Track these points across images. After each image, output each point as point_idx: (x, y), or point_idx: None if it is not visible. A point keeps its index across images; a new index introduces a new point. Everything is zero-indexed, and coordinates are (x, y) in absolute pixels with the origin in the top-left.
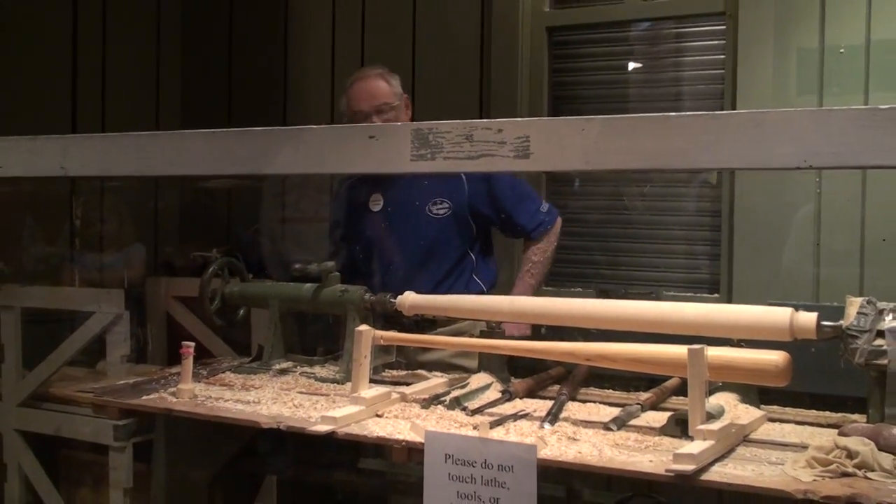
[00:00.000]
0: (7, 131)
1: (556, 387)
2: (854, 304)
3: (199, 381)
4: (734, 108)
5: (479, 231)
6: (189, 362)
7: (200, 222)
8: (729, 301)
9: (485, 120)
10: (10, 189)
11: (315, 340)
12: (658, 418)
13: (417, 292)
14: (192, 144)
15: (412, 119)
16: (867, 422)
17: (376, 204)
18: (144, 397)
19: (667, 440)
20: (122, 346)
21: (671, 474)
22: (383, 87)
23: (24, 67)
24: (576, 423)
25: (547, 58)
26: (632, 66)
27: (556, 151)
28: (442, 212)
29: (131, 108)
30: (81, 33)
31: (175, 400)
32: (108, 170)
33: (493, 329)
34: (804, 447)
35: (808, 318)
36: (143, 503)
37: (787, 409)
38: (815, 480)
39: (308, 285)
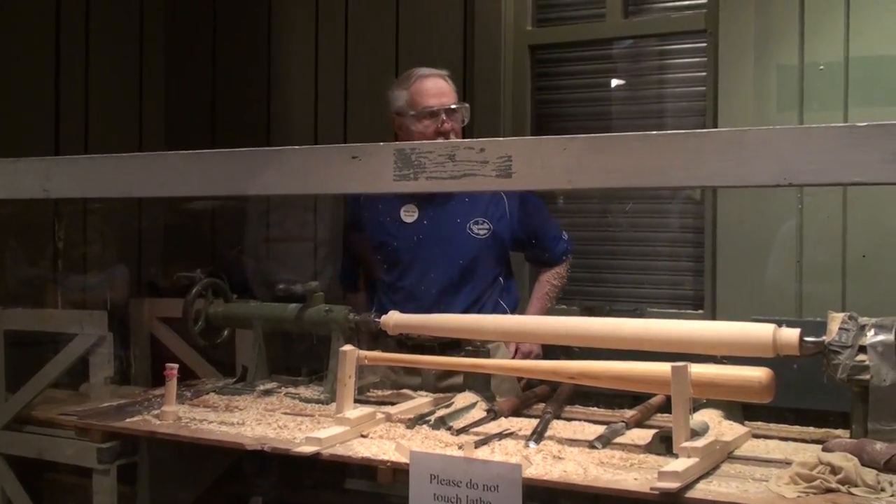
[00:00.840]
0: None
1: (541, 405)
2: (836, 320)
3: (183, 403)
4: (716, 125)
5: (507, 255)
6: (173, 384)
7: (184, 243)
8: (713, 317)
9: (467, 140)
10: None
11: (299, 361)
12: (643, 436)
13: (448, 312)
14: (176, 165)
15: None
16: (850, 437)
17: (409, 215)
18: (128, 420)
19: (651, 458)
20: (106, 367)
21: (656, 492)
22: (451, 88)
23: (6, 89)
24: (561, 441)
25: (530, 76)
26: (614, 83)
27: (538, 170)
28: (483, 232)
29: (114, 130)
30: (64, 56)
31: (159, 422)
32: (90, 191)
33: (478, 349)
34: (788, 463)
35: (791, 335)
36: None
37: (771, 426)
38: (799, 497)
39: (292, 305)
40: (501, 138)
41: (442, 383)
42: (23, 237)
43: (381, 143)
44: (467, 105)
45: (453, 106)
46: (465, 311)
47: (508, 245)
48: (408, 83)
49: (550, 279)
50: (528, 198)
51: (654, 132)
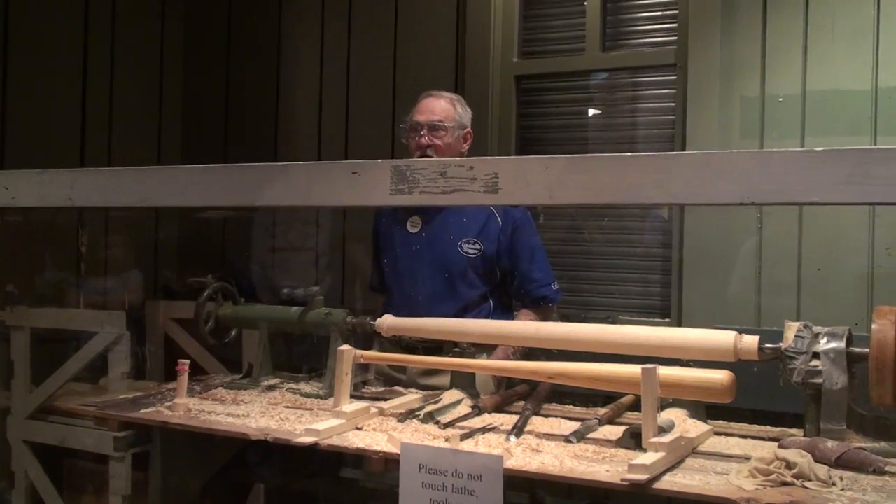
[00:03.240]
0: (19, 164)
1: (522, 403)
2: (792, 328)
3: (194, 396)
4: (684, 150)
5: (504, 281)
6: (184, 379)
7: (197, 250)
8: (679, 325)
9: (457, 158)
10: (21, 218)
11: (301, 359)
12: (614, 432)
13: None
14: (190, 178)
15: (466, 154)
16: (804, 435)
17: (414, 226)
18: (142, 411)
19: (622, 452)
20: (123, 363)
21: (626, 483)
22: (447, 108)
23: (36, 107)
24: (539, 436)
25: (515, 103)
26: (591, 111)
27: (523, 187)
28: (472, 252)
29: (135, 144)
30: (90, 77)
31: (171, 413)
32: (112, 201)
33: (464, 350)
34: (747, 459)
35: (751, 341)
36: None
37: (732, 424)
38: (757, 489)
39: (295, 308)
40: (489, 157)
41: (424, 381)
42: (49, 243)
43: (379, 160)
44: (470, 131)
45: (436, 122)
46: None
47: (498, 268)
48: (418, 100)
49: (524, 320)
50: (524, 230)
51: (629, 153)
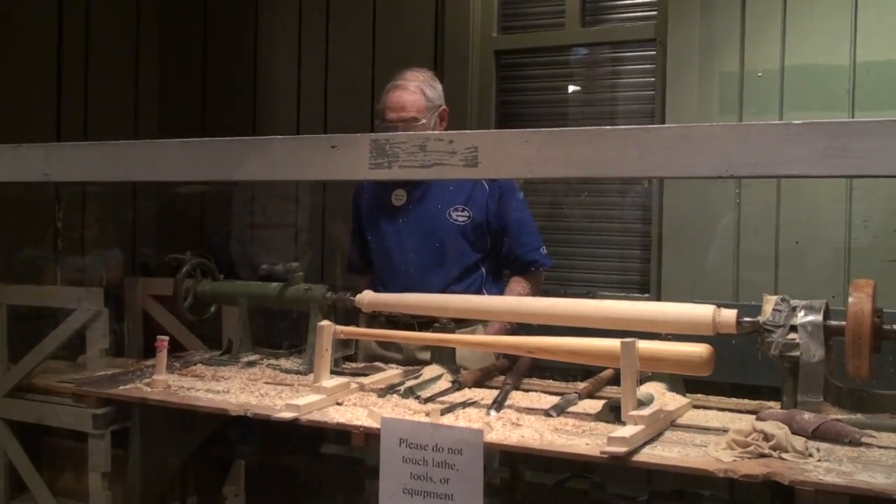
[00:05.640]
0: None
1: (502, 377)
2: (770, 302)
3: (173, 373)
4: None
5: (495, 249)
6: (163, 355)
7: (175, 226)
8: (658, 300)
9: (437, 132)
10: None
11: (280, 335)
12: (594, 405)
13: (426, 291)
14: (168, 152)
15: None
16: (781, 408)
17: (399, 199)
18: (121, 388)
19: (602, 425)
20: (102, 340)
21: (605, 456)
22: (417, 100)
23: (11, 81)
24: (519, 410)
25: (494, 78)
26: (571, 86)
27: (502, 160)
28: (462, 219)
29: (111, 118)
30: (65, 52)
31: (150, 390)
32: (88, 176)
33: (445, 325)
34: (725, 431)
35: (729, 315)
36: (120, 486)
37: (710, 397)
38: (734, 461)
39: (274, 284)
40: (469, 131)
41: (422, 356)
42: (25, 218)
43: (358, 134)
44: (444, 108)
45: (408, 118)
46: (443, 291)
47: (488, 234)
48: (385, 92)
49: (514, 289)
50: (511, 196)
51: (608, 127)
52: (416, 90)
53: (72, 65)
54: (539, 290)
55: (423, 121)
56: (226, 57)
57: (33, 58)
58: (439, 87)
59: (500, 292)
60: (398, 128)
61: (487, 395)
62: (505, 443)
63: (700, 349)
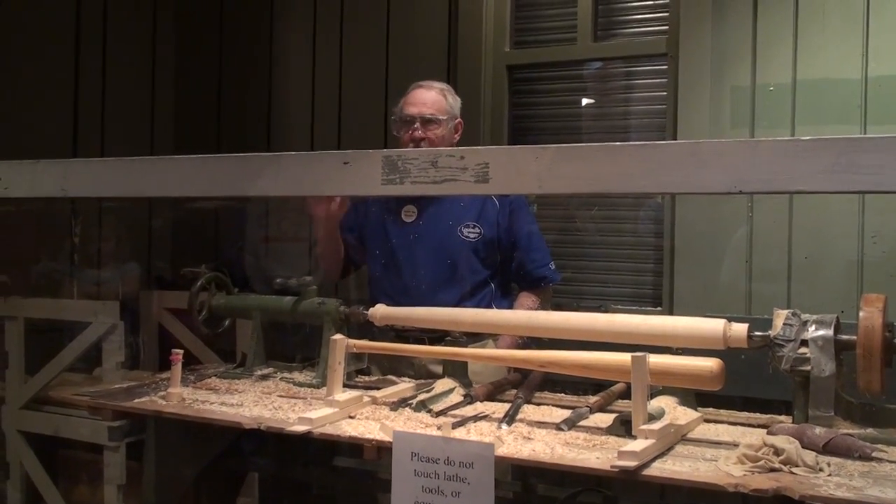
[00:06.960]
0: (12, 155)
1: (513, 391)
2: (781, 316)
3: (188, 386)
4: (675, 140)
5: (504, 264)
6: (178, 368)
7: (190, 240)
8: (670, 313)
9: (448, 148)
10: (14, 209)
11: (294, 348)
12: (605, 419)
13: (437, 306)
14: (183, 168)
15: (458, 144)
16: (792, 422)
17: (409, 215)
18: (136, 400)
19: (612, 439)
20: (117, 353)
21: (616, 470)
22: (439, 100)
23: (30, 99)
24: (530, 423)
25: (507, 93)
26: (583, 101)
27: (513, 176)
28: (473, 236)
29: (128, 135)
30: (82, 70)
31: (165, 403)
32: (105, 192)
33: (457, 339)
34: (736, 445)
35: (740, 329)
36: (134, 498)
37: (721, 411)
38: (745, 475)
39: (288, 298)
40: (480, 147)
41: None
42: (43, 233)
43: (370, 150)
44: (460, 121)
45: (429, 116)
46: (453, 307)
47: (498, 251)
48: (406, 92)
49: (525, 302)
50: (521, 212)
51: (618, 143)
52: (440, 92)
53: (89, 82)
54: (548, 305)
55: (441, 121)
56: (240, 73)
57: (51, 75)
58: (458, 100)
59: (509, 308)
60: (415, 121)
61: (499, 408)
62: (516, 456)
63: (710, 363)
